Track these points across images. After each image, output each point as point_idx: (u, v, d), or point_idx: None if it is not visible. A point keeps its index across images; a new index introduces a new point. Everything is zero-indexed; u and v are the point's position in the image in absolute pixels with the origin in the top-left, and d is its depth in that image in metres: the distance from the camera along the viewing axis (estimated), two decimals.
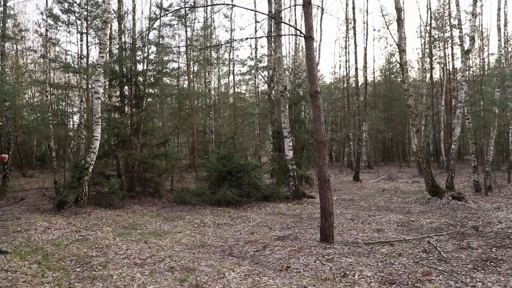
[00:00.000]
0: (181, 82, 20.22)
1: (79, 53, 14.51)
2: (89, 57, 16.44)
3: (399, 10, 10.48)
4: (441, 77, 27.22)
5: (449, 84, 26.01)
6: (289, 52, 26.64)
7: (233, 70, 25.70)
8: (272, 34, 13.16)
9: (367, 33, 22.94)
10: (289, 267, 4.44)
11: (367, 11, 31.18)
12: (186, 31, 18.88)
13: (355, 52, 19.82)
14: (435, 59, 27.26)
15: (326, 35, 77.35)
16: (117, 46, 12.99)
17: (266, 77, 17.62)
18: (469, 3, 35.55)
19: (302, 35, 5.86)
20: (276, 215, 8.37)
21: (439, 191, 9.80)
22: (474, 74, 24.90)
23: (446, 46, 26.31)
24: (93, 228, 6.70)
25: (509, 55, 18.26)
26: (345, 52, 26.06)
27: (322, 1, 23.06)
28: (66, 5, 15.25)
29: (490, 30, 67.65)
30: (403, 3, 23.85)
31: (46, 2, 15.25)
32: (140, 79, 11.04)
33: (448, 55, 26.63)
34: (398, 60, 11.99)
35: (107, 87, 12.01)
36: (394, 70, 30.42)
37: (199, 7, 12.37)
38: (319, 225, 5.86)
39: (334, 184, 14.82)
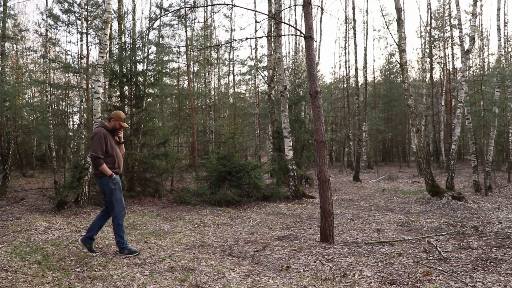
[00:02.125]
0: (181, 82, 20.23)
1: (79, 53, 14.50)
2: (89, 57, 16.46)
3: (399, 10, 10.49)
4: (441, 77, 27.23)
5: (449, 84, 26.02)
6: (289, 52, 26.66)
7: (233, 70, 25.72)
8: (272, 34, 13.16)
9: (367, 33, 22.96)
10: (289, 267, 4.44)
11: (367, 11, 31.21)
12: (186, 31, 18.89)
13: (355, 52, 19.83)
14: (435, 59, 27.29)
15: (326, 35, 77.49)
16: (117, 46, 13.00)
17: (266, 77, 17.62)
18: (469, 3, 35.53)
19: (302, 35, 5.85)
20: (276, 215, 8.37)
21: (439, 191, 9.80)
22: (474, 74, 24.91)
23: (446, 46, 26.34)
24: None
25: (509, 55, 18.27)
26: (345, 52, 26.08)
27: (322, 1, 23.10)
28: (66, 5, 15.26)
29: (490, 30, 67.72)
30: (403, 3, 23.85)
31: (46, 2, 15.25)
32: (140, 79, 11.04)
33: (448, 55, 26.67)
34: (398, 60, 12.00)
35: (107, 87, 12.00)
36: (394, 70, 30.43)
37: (199, 7, 12.36)
38: (319, 225, 5.86)
39: (334, 184, 14.82)
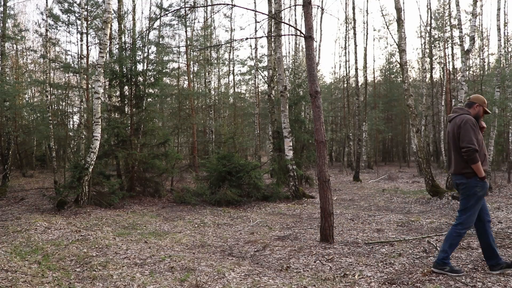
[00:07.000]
0: (181, 82, 20.22)
1: (79, 53, 14.51)
2: (89, 57, 16.45)
3: (399, 10, 10.49)
4: (441, 77, 27.21)
5: (449, 84, 25.99)
6: (289, 52, 26.66)
7: (233, 70, 25.71)
8: (272, 34, 13.17)
9: (367, 33, 22.96)
10: (289, 267, 4.44)
11: (367, 11, 31.26)
12: (186, 31, 18.88)
13: (355, 52, 19.83)
14: (435, 59, 27.26)
15: (326, 35, 77.53)
16: (117, 46, 13.00)
17: (266, 77, 17.62)
18: (469, 3, 35.54)
19: (302, 35, 5.85)
20: (276, 215, 8.37)
21: (439, 191, 9.80)
22: (474, 74, 24.92)
23: (446, 46, 26.30)
24: (93, 228, 6.70)
25: (509, 55, 18.27)
26: (345, 52, 26.08)
27: (322, 1, 23.12)
28: (66, 5, 15.27)
29: (490, 30, 67.62)
30: (403, 3, 23.86)
31: (46, 2, 15.26)
32: (140, 79, 11.04)
33: (448, 55, 26.62)
34: (398, 60, 12.00)
35: (107, 87, 12.00)
36: (394, 70, 30.42)
37: (199, 7, 12.38)
38: (319, 225, 5.86)
39: (334, 184, 14.81)
